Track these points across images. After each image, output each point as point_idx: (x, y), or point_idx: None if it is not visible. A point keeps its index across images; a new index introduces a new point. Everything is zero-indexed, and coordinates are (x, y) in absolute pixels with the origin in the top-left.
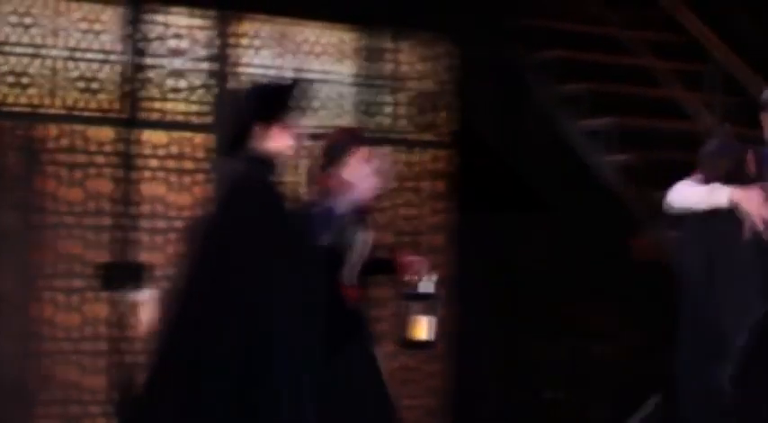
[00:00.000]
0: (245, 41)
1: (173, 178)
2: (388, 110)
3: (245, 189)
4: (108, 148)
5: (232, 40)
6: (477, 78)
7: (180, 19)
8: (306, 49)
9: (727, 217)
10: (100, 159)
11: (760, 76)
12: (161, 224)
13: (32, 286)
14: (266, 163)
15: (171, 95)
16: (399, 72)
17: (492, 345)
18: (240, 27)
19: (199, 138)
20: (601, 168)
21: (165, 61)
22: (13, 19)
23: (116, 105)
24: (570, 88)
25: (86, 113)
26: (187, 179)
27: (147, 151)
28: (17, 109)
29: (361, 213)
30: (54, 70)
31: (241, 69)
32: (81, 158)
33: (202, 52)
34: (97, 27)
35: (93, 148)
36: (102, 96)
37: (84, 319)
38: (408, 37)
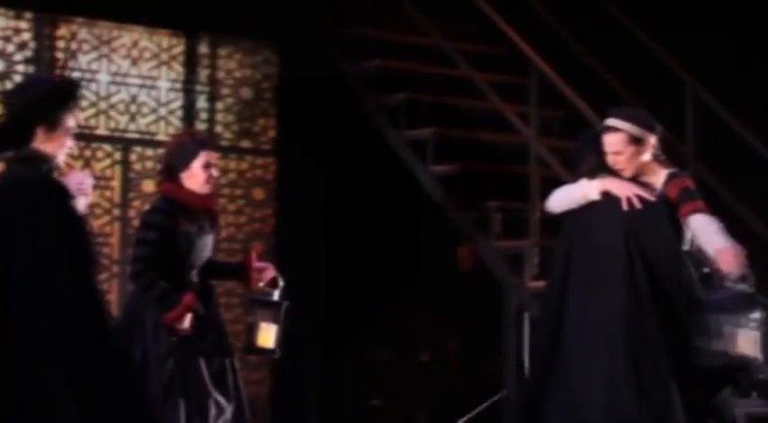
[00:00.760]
0: (62, 45)
1: None
2: (207, 116)
3: (15, 188)
4: None
5: (50, 43)
6: (297, 87)
7: None
8: (124, 53)
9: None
10: None
11: (577, 90)
12: None
13: None
14: (41, 162)
15: None
16: (218, 79)
17: (315, 353)
18: (58, 30)
19: None
20: (423, 178)
21: None
22: None
23: None
24: (391, 98)
25: None
26: None
27: None
28: None
29: (208, 215)
30: None
31: (58, 73)
32: None
33: (19, 55)
34: None
35: None
36: None
37: None
38: (229, 44)
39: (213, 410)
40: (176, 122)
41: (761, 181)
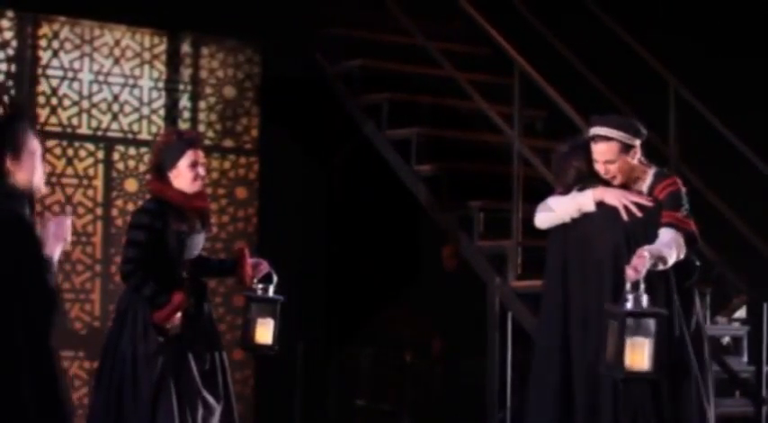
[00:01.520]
0: (44, 43)
1: None
2: (189, 115)
3: None
4: None
5: (32, 42)
6: (280, 86)
7: None
8: (106, 52)
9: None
10: None
11: (560, 90)
12: None
13: None
14: (15, 197)
15: None
16: (201, 78)
17: (299, 353)
18: (40, 29)
19: None
20: (407, 178)
21: None
22: None
23: None
24: (372, 97)
25: None
26: None
27: None
28: None
29: (199, 213)
30: None
31: (40, 71)
32: None
33: (0, 54)
34: None
35: None
36: None
37: None
38: (211, 43)
39: (201, 410)
40: (159, 122)
41: (743, 180)
